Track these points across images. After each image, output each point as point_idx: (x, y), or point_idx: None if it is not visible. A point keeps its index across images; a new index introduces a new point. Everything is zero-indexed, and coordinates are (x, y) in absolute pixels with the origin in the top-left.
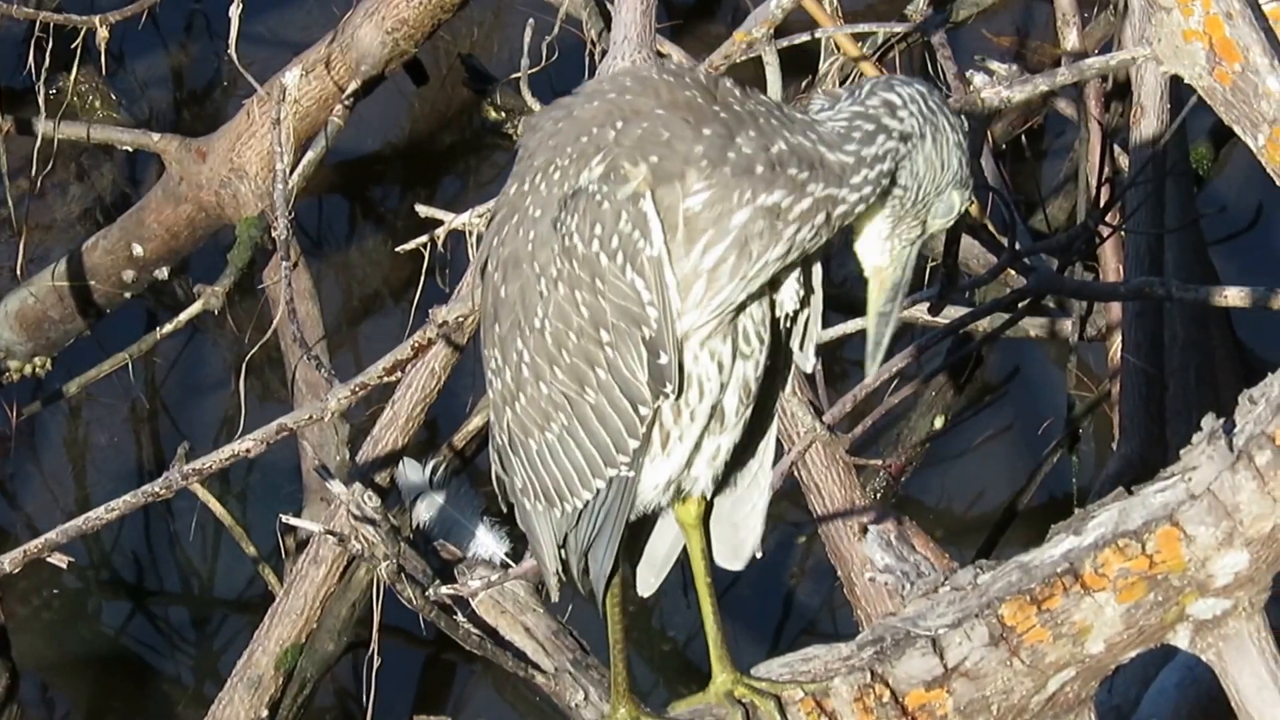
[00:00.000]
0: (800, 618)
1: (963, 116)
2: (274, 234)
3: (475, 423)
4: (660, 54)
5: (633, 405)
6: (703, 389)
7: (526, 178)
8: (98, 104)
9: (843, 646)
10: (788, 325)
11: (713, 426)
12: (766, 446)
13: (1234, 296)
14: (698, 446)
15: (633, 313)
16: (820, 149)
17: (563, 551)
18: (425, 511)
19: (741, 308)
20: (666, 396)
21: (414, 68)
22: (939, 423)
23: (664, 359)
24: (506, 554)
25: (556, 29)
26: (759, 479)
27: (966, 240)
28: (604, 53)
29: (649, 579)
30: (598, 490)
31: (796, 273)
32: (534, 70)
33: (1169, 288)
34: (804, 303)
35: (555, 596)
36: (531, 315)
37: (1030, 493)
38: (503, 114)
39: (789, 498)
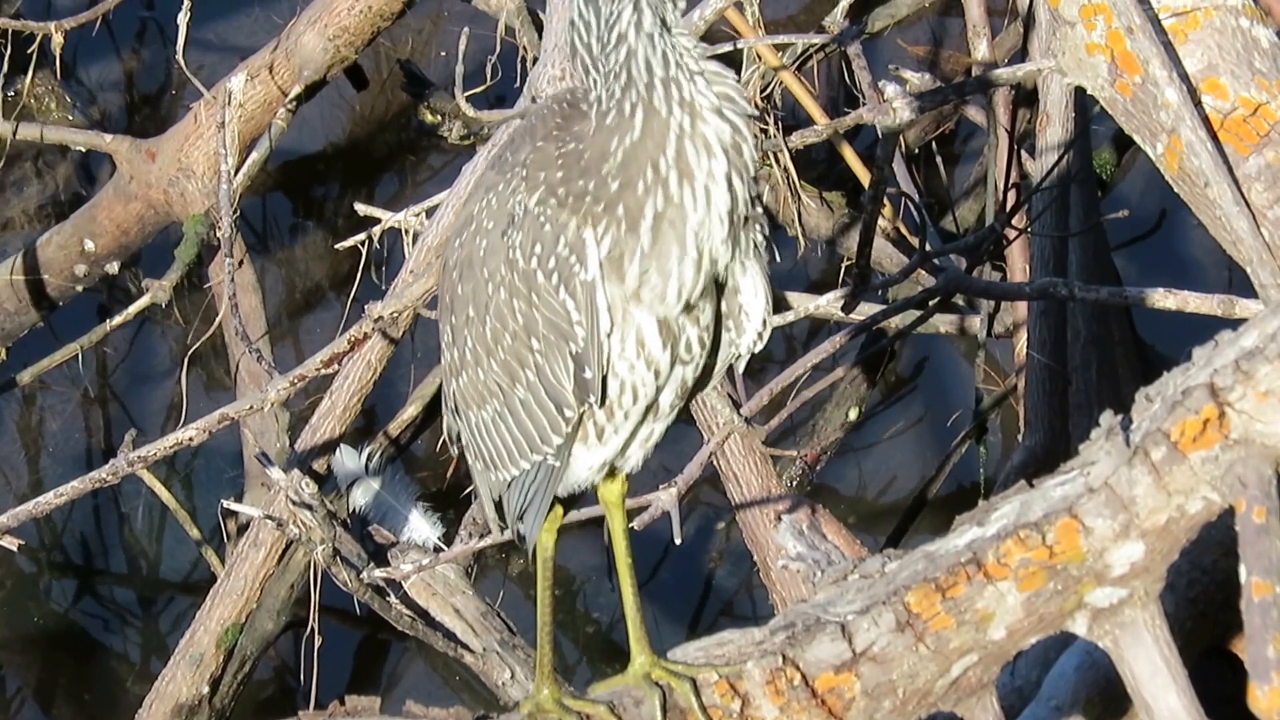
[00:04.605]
0: (718, 600)
1: None
2: (219, 231)
3: (410, 412)
4: None
5: (557, 407)
6: (637, 394)
7: (485, 195)
8: (53, 106)
9: (756, 631)
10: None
11: (648, 418)
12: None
13: (1134, 297)
14: (633, 434)
15: (562, 329)
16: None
17: (500, 510)
18: (361, 497)
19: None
20: (591, 406)
21: (354, 73)
22: (853, 414)
23: (589, 374)
24: (439, 538)
25: (498, 47)
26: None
27: (880, 241)
28: (535, 60)
29: None
30: (525, 470)
31: (760, 283)
32: (478, 90)
33: (1072, 288)
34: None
35: (499, 536)
36: (480, 310)
37: (940, 482)
38: (439, 117)
39: (708, 485)
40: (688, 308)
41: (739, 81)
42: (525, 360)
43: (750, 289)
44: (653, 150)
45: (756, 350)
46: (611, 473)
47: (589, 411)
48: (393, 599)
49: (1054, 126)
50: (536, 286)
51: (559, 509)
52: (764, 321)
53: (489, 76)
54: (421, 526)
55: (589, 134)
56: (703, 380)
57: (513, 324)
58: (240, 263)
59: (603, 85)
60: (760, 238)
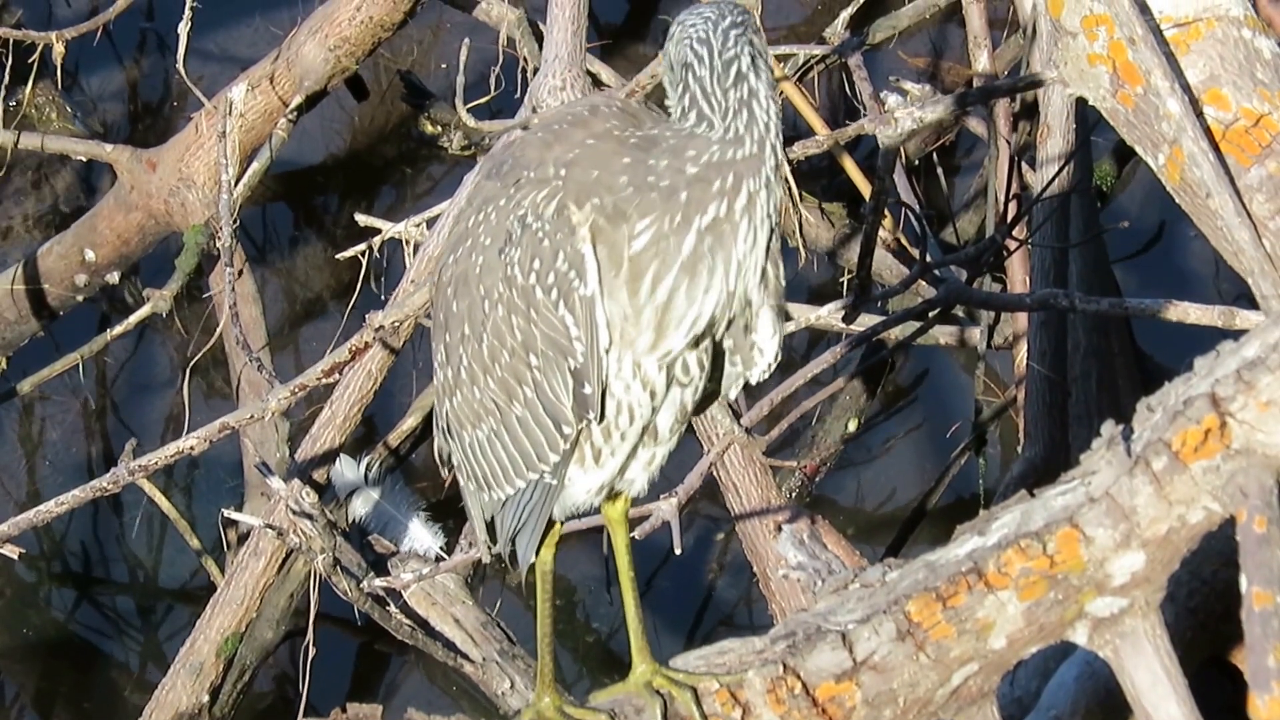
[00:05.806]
0: (718, 610)
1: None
2: (219, 241)
3: (410, 422)
4: (590, 73)
5: (555, 424)
6: (633, 414)
7: (481, 208)
8: (54, 116)
9: (756, 640)
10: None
11: (646, 440)
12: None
13: (1134, 308)
14: (633, 455)
15: (561, 344)
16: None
17: (492, 530)
18: (361, 507)
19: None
20: (589, 422)
21: (355, 83)
22: (853, 425)
23: (588, 390)
24: (439, 548)
25: (499, 58)
26: None
27: (880, 252)
28: (536, 70)
29: None
30: (520, 488)
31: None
32: (480, 101)
33: (1072, 299)
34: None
35: (487, 559)
36: (476, 327)
37: (939, 493)
38: (439, 128)
39: (708, 496)
40: (695, 342)
41: None
42: (523, 377)
43: (767, 330)
44: (744, 170)
45: (764, 380)
46: (613, 494)
47: (586, 431)
48: (393, 608)
49: (1054, 138)
50: (535, 302)
51: (556, 525)
52: (775, 354)
53: (490, 87)
54: (421, 536)
55: (679, 133)
56: (703, 404)
57: (510, 341)
58: (240, 272)
59: (717, 114)
60: (778, 278)
